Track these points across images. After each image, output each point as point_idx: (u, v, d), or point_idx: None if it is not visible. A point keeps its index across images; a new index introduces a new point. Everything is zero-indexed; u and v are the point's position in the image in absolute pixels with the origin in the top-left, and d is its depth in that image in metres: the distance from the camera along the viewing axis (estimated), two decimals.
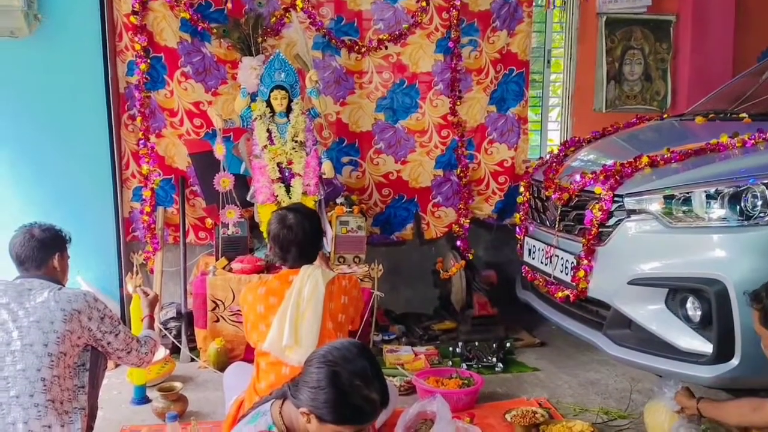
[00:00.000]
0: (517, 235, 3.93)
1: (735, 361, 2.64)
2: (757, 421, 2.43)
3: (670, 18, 5.03)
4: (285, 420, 1.64)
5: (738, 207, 2.73)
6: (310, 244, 2.69)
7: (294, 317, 2.52)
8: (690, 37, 5.00)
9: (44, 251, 2.55)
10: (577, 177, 3.28)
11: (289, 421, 1.63)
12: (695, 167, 3.00)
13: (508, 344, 3.95)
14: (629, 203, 3.01)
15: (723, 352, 2.66)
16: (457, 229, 4.54)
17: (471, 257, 4.48)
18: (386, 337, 4.14)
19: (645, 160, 3.09)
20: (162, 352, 3.52)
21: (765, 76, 3.99)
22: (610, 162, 3.25)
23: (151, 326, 2.87)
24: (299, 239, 2.64)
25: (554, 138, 5.13)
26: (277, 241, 2.66)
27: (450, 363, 3.76)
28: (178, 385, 3.16)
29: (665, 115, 4.48)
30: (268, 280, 2.70)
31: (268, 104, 3.82)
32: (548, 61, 5.05)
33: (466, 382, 3.31)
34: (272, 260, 3.90)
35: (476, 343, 3.93)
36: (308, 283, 2.57)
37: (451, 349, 3.92)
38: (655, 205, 2.92)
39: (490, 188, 4.68)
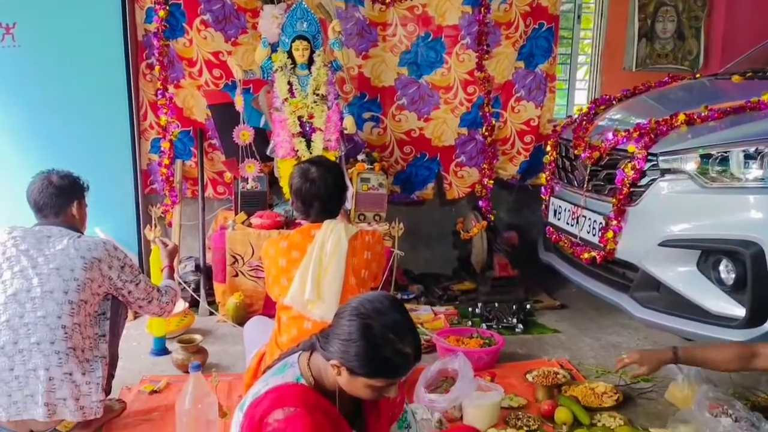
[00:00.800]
0: (542, 196, 3.83)
1: None
2: (749, 367, 2.42)
3: None
4: (313, 372, 1.59)
5: None
6: (333, 198, 2.61)
7: (316, 272, 2.47)
8: None
9: (63, 198, 2.52)
10: (609, 135, 3.18)
11: (318, 372, 1.59)
12: (734, 126, 2.88)
13: (528, 306, 3.90)
14: (663, 162, 2.90)
15: (756, 316, 2.59)
16: (480, 189, 4.45)
17: (493, 218, 4.40)
18: (405, 297, 4.10)
19: (682, 117, 2.98)
20: (181, 305, 3.51)
21: None
22: (643, 120, 3.14)
23: (170, 276, 2.85)
24: (322, 193, 2.55)
25: (581, 97, 4.99)
26: (299, 195, 2.58)
27: (469, 323, 3.72)
28: (197, 337, 3.15)
29: (698, 75, 4.33)
30: (289, 234, 2.62)
31: (290, 55, 3.73)
32: (578, 17, 4.88)
33: (486, 341, 3.28)
34: (293, 216, 3.85)
35: (496, 304, 3.88)
36: (331, 237, 2.50)
37: (470, 309, 3.88)
38: (691, 165, 2.82)
39: (515, 148, 4.57)
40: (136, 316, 3.57)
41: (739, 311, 2.66)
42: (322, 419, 1.50)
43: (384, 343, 1.49)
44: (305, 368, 1.60)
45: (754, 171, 2.69)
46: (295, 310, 2.49)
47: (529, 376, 2.99)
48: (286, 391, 1.54)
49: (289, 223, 3.81)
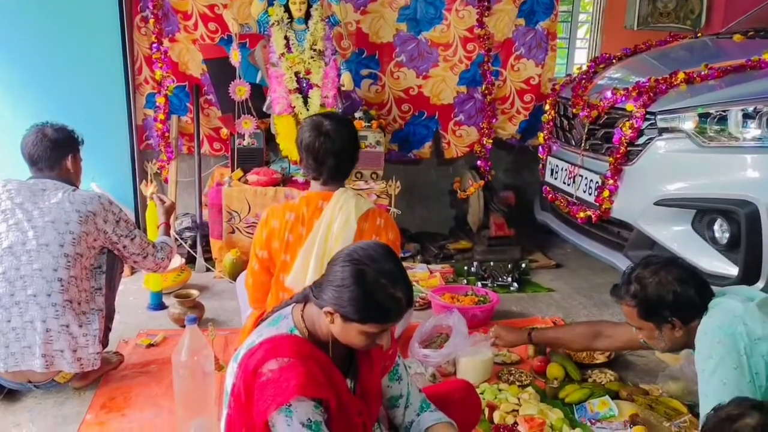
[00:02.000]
0: (539, 155, 3.82)
1: (760, 284, 2.60)
2: (602, 347, 2.57)
3: None
4: (306, 323, 1.60)
5: None
6: (348, 155, 2.35)
7: (321, 255, 2.27)
8: None
9: (57, 151, 2.50)
10: (608, 94, 3.16)
11: (311, 323, 1.60)
12: (733, 84, 2.87)
13: (523, 265, 3.92)
14: (661, 121, 2.89)
15: (749, 275, 2.62)
16: (479, 149, 4.42)
17: (491, 178, 4.39)
18: (402, 255, 4.10)
19: (681, 76, 2.96)
20: (177, 261, 3.52)
21: None
22: (643, 79, 3.11)
23: (167, 233, 2.85)
24: (337, 148, 2.29)
25: (581, 56, 4.93)
26: (311, 150, 2.30)
27: (465, 282, 3.74)
28: (194, 292, 3.17)
29: (699, 34, 4.28)
30: (294, 204, 2.38)
31: (286, 9, 3.66)
32: None
33: (481, 299, 3.30)
34: (290, 173, 3.84)
35: (491, 263, 3.91)
36: (339, 216, 2.30)
37: (466, 268, 3.90)
38: (689, 124, 2.81)
39: (515, 107, 4.53)
40: (133, 271, 3.58)
41: (733, 270, 2.69)
42: (316, 369, 1.52)
43: (377, 288, 1.49)
44: (299, 319, 1.61)
45: (753, 130, 2.68)
46: (296, 293, 2.37)
47: None
48: (280, 342, 1.56)
49: (286, 180, 3.80)
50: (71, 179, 2.56)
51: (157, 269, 2.71)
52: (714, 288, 2.02)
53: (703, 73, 2.97)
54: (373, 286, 1.49)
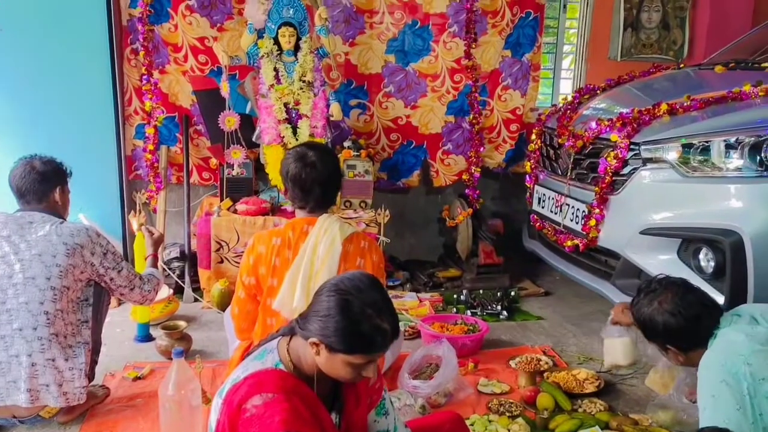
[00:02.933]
0: (527, 184, 3.86)
1: None
2: None
3: None
4: (292, 356, 1.60)
5: (758, 157, 2.66)
6: (333, 183, 2.43)
7: (307, 277, 2.30)
8: None
9: (45, 184, 2.50)
10: (593, 124, 3.21)
11: (297, 357, 1.60)
12: (715, 116, 2.93)
13: (512, 293, 3.93)
14: (645, 151, 2.94)
15: (734, 303, 2.60)
16: (468, 177, 4.46)
17: (479, 207, 4.42)
18: (391, 283, 4.11)
19: (664, 107, 3.01)
20: (165, 291, 3.50)
21: None
22: (626, 110, 3.17)
23: (154, 265, 2.84)
24: (323, 178, 2.36)
25: (566, 87, 5.00)
26: (297, 181, 2.35)
27: (454, 310, 3.75)
28: (182, 323, 3.15)
29: (682, 65, 4.36)
30: (280, 230, 2.42)
31: (276, 42, 3.70)
32: (564, 6, 4.89)
33: (471, 328, 3.30)
34: (280, 203, 3.85)
35: (481, 291, 3.91)
36: (324, 239, 2.33)
37: (455, 296, 3.90)
38: (672, 154, 2.86)
39: (501, 136, 4.59)
40: (120, 302, 3.56)
41: (719, 299, 2.69)
42: (300, 405, 1.51)
43: (362, 319, 1.50)
44: (284, 353, 1.61)
45: (735, 161, 2.73)
46: (283, 317, 2.35)
47: (512, 363, 3.02)
48: (265, 377, 1.55)
49: (275, 209, 3.80)
50: (59, 211, 2.55)
51: (144, 301, 2.70)
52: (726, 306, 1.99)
53: (685, 104, 3.03)
54: (359, 317, 1.50)
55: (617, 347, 2.69)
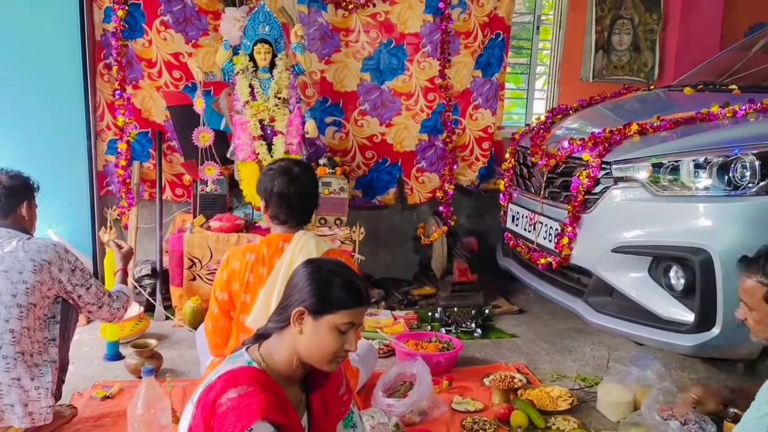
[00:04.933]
0: (500, 202, 3.89)
1: (716, 330, 2.64)
2: None
3: None
4: (264, 357, 1.62)
5: (726, 177, 2.71)
6: (315, 200, 2.45)
7: (282, 293, 2.34)
8: (680, 9, 4.97)
9: (12, 199, 2.46)
10: (565, 143, 3.25)
11: (269, 356, 1.61)
12: (685, 136, 2.97)
13: (486, 311, 3.95)
14: (617, 170, 2.98)
15: (704, 321, 2.67)
16: (441, 195, 4.49)
17: (453, 224, 4.44)
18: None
19: (635, 127, 3.06)
20: (136, 309, 3.43)
21: (754, 49, 3.98)
22: (598, 130, 3.21)
23: (124, 281, 2.79)
24: (309, 193, 2.39)
25: (540, 107, 5.07)
26: (284, 196, 2.34)
27: (429, 328, 3.74)
28: (152, 342, 3.09)
29: (652, 86, 4.45)
30: (255, 246, 2.42)
31: (251, 58, 3.70)
32: (537, 28, 4.97)
33: (445, 345, 3.30)
34: (254, 219, 3.83)
35: (455, 309, 3.92)
36: (300, 255, 2.29)
37: (430, 314, 3.90)
38: (643, 173, 2.90)
39: (474, 154, 4.63)
40: (89, 320, 3.49)
41: (689, 316, 2.73)
42: (274, 398, 1.51)
43: (336, 276, 1.61)
44: (256, 354, 1.63)
45: (704, 180, 2.77)
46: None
47: (486, 380, 3.02)
48: (239, 373, 1.56)
49: (248, 226, 3.77)
50: (25, 227, 2.50)
51: (113, 319, 2.63)
52: None
53: (655, 124, 3.08)
54: (332, 275, 1.61)
55: (619, 407, 2.72)
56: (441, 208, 4.46)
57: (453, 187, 4.50)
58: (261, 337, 1.67)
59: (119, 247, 2.89)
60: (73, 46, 3.85)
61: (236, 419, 1.45)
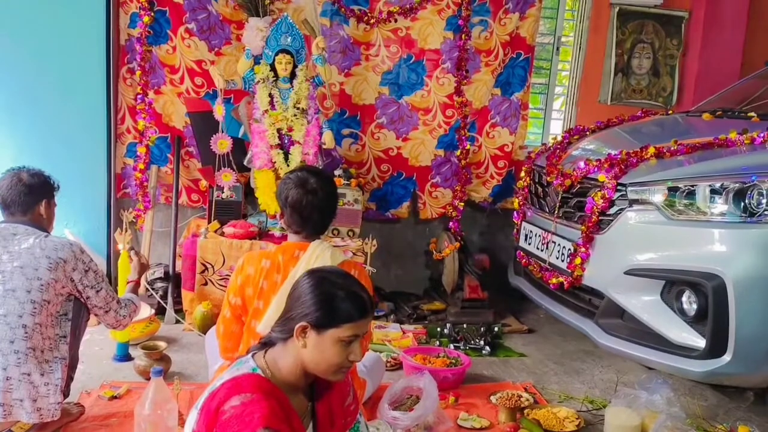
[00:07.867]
0: (514, 220, 3.89)
1: (727, 357, 2.62)
2: None
3: (683, 14, 4.97)
4: (269, 364, 1.62)
5: (742, 203, 2.70)
6: (332, 210, 2.43)
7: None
8: (701, 35, 4.96)
9: (31, 197, 2.49)
10: (581, 164, 3.24)
11: (274, 364, 1.61)
12: (702, 161, 2.97)
13: (496, 328, 3.93)
14: (632, 193, 2.97)
15: (716, 348, 2.64)
16: (451, 211, 4.50)
17: (462, 240, 4.44)
18: (375, 314, 4.09)
19: (652, 150, 3.06)
20: (147, 311, 3.45)
21: None
22: (614, 151, 3.21)
23: (135, 291, 2.80)
24: (323, 205, 2.37)
25: (557, 127, 5.08)
26: (297, 207, 2.34)
27: (437, 343, 3.73)
28: (162, 344, 3.11)
29: (670, 111, 4.44)
30: (270, 252, 2.43)
31: (272, 68, 3.75)
32: (557, 49, 4.99)
33: (453, 361, 3.29)
34: (267, 228, 3.85)
35: (464, 326, 3.91)
36: (315, 265, 2.24)
37: (439, 329, 3.89)
38: (658, 196, 2.89)
39: (489, 172, 4.64)
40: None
41: (700, 342, 2.71)
42: (278, 406, 1.51)
43: (339, 288, 1.59)
44: (261, 361, 1.62)
45: (719, 206, 2.76)
46: None
47: (493, 398, 3.01)
48: (243, 380, 1.56)
49: (262, 234, 3.80)
50: (43, 225, 2.53)
51: (117, 326, 2.62)
52: None
53: (672, 148, 3.08)
54: (335, 288, 1.59)
55: (626, 430, 2.68)
56: (451, 224, 4.46)
57: (463, 204, 4.51)
58: (267, 344, 1.67)
59: (137, 256, 2.92)
60: (98, 49, 3.93)
61: (239, 427, 1.45)
